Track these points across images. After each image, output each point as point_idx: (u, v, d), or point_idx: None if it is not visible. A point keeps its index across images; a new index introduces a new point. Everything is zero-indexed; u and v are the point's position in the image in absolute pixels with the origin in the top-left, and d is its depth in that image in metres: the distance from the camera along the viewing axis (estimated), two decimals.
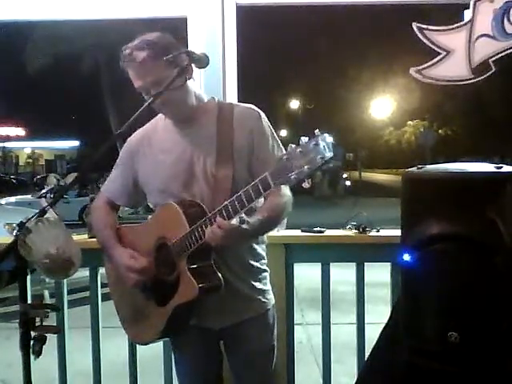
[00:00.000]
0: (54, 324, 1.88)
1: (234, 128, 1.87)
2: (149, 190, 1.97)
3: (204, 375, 2.03)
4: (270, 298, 2.01)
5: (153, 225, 1.91)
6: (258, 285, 1.95)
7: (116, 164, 2.06)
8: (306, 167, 1.46)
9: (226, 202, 1.65)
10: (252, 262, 1.94)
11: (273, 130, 1.94)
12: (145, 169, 1.96)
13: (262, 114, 1.94)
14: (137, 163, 1.97)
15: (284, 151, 1.87)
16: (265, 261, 2.02)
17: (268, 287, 2.02)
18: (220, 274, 1.76)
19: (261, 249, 1.99)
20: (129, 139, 2.02)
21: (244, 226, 1.65)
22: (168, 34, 1.85)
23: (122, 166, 2.03)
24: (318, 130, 1.46)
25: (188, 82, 1.85)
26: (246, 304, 1.93)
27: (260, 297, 1.96)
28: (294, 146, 1.49)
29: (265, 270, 2.01)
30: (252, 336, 1.96)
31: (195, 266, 1.74)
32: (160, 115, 1.98)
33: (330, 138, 1.46)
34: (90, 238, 2.64)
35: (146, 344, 2.00)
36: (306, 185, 1.48)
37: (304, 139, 1.47)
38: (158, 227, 1.86)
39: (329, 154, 1.44)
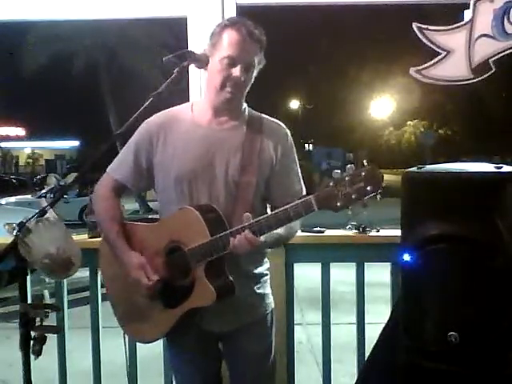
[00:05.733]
0: (54, 324, 1.87)
1: (263, 137, 1.85)
2: (163, 177, 1.88)
3: (202, 374, 2.01)
4: (270, 302, 1.99)
5: (165, 226, 1.86)
6: (258, 290, 1.93)
7: (128, 145, 1.93)
8: (353, 196, 1.49)
9: (259, 218, 1.64)
10: (252, 269, 1.91)
11: (295, 151, 1.95)
12: (163, 155, 1.87)
13: (289, 133, 1.94)
14: (156, 147, 1.87)
15: (300, 175, 1.92)
16: (266, 265, 1.99)
17: (268, 291, 1.99)
18: (232, 280, 1.75)
19: (261, 255, 1.96)
20: (148, 120, 1.91)
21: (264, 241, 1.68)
22: None
23: (137, 147, 1.90)
24: (366, 161, 1.50)
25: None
26: (247, 310, 1.91)
27: (260, 302, 1.95)
28: (339, 172, 1.52)
29: (266, 274, 1.98)
30: (251, 339, 1.95)
31: (213, 272, 1.73)
32: (188, 105, 1.94)
33: (379, 170, 1.50)
34: (90, 237, 2.64)
35: (147, 343, 1.97)
36: (348, 212, 1.52)
37: (351, 167, 1.50)
38: (171, 230, 1.81)
39: (380, 186, 1.48)
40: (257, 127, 1.87)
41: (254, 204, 1.82)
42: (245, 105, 1.93)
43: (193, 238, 1.73)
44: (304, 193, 1.87)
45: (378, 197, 1.51)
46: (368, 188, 1.48)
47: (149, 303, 1.86)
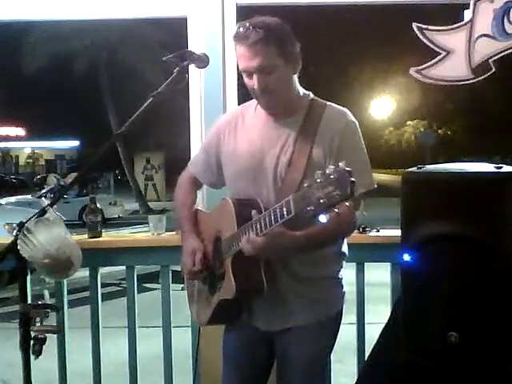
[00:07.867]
0: (54, 324, 1.88)
1: (318, 132, 1.77)
2: (225, 174, 1.93)
3: (240, 370, 1.97)
4: (329, 307, 1.88)
5: (214, 216, 1.92)
6: (311, 294, 1.84)
7: (203, 142, 2.04)
8: (322, 201, 1.33)
9: (259, 216, 1.60)
10: (306, 272, 1.81)
11: (361, 143, 1.82)
12: (227, 152, 1.90)
13: (351, 122, 1.82)
14: (222, 143, 1.91)
15: (365, 168, 1.78)
16: (330, 269, 1.89)
17: (327, 296, 1.88)
18: (264, 279, 1.69)
19: (321, 258, 1.83)
20: (220, 118, 2.01)
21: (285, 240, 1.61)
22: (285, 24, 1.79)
23: (208, 144, 1.99)
24: (343, 163, 1.33)
25: (294, 77, 1.81)
26: (297, 312, 1.83)
27: (314, 307, 1.85)
28: (319, 172, 1.35)
29: (327, 278, 1.88)
30: (299, 343, 1.85)
31: (240, 266, 1.70)
32: (253, 101, 1.91)
33: (349, 176, 1.30)
34: (89, 237, 2.65)
35: (201, 325, 2.02)
36: (323, 219, 1.35)
37: (329, 169, 1.34)
38: (216, 220, 1.87)
39: (347, 193, 1.29)
40: (315, 120, 1.79)
41: None
42: (304, 95, 1.86)
43: (226, 229, 1.76)
44: (371, 188, 1.78)
45: (347, 203, 1.32)
46: (335, 193, 1.30)
47: (202, 287, 1.90)
